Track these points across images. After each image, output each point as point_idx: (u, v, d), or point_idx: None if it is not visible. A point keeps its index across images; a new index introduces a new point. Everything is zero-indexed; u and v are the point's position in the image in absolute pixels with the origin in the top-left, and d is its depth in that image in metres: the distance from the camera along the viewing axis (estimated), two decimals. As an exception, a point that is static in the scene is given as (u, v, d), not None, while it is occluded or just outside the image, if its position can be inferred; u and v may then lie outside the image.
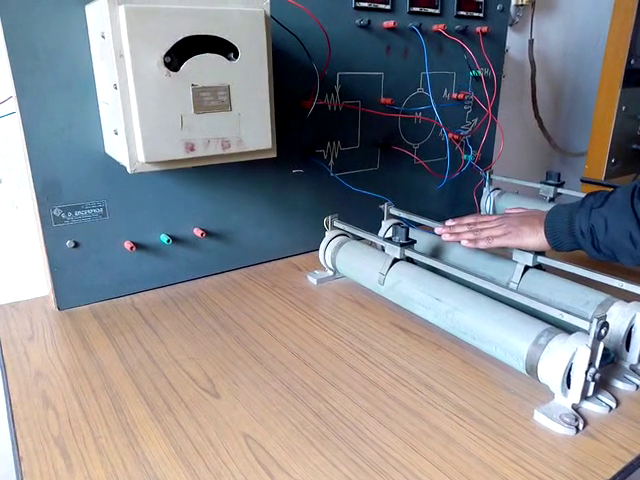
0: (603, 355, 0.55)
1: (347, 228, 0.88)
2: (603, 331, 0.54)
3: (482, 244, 0.75)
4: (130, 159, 0.66)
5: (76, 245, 0.79)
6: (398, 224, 0.81)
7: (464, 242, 0.76)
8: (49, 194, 0.75)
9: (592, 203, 0.68)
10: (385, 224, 0.94)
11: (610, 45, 1.40)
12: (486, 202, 1.17)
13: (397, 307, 0.79)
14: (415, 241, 0.79)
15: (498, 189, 1.18)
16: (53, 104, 0.72)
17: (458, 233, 0.77)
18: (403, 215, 0.93)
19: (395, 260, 0.78)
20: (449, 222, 0.81)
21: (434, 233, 0.85)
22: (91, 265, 0.81)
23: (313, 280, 0.90)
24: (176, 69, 0.64)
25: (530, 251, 0.75)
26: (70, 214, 0.77)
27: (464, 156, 1.20)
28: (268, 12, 0.70)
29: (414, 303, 0.74)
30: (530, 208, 0.82)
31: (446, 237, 0.78)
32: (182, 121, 0.66)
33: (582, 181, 1.43)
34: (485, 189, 1.18)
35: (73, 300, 0.81)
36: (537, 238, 0.72)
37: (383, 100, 1.04)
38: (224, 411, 0.57)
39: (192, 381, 0.63)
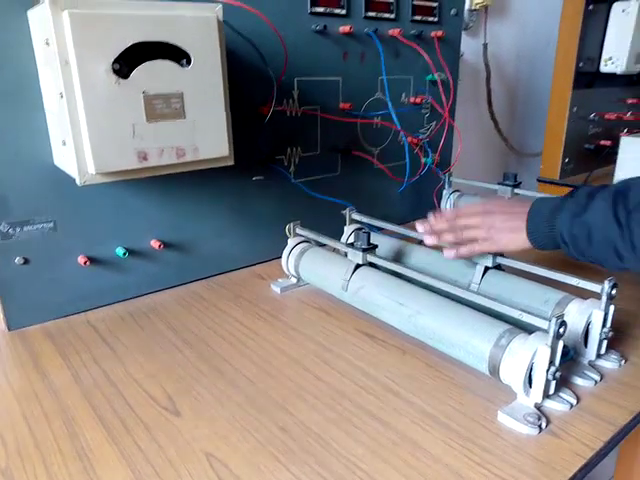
0: (563, 353, 0.56)
1: (309, 235, 0.87)
2: (562, 330, 0.54)
3: (464, 253, 0.74)
4: (79, 171, 0.63)
5: (26, 262, 0.75)
6: (360, 229, 0.80)
7: (446, 253, 0.74)
8: (-6, 209, 0.71)
9: (573, 209, 0.64)
10: (347, 229, 0.94)
11: (560, 49, 1.45)
12: (446, 204, 1.18)
13: (362, 313, 0.78)
14: (377, 246, 0.79)
15: (457, 191, 1.19)
16: (-4, 114, 0.69)
17: (439, 233, 0.75)
18: (365, 220, 0.93)
19: (358, 266, 0.78)
20: (429, 219, 0.77)
21: (396, 237, 0.85)
22: (43, 282, 0.77)
23: (277, 289, 0.89)
24: (126, 76, 0.62)
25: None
26: (18, 229, 0.74)
27: (423, 159, 1.21)
28: (221, 17, 0.69)
29: (378, 308, 0.74)
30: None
31: (428, 240, 0.75)
32: (134, 130, 0.64)
33: (538, 181, 1.46)
34: (445, 191, 1.19)
35: (24, 319, 0.77)
36: (520, 241, 0.70)
37: (342, 105, 1.04)
38: (185, 430, 0.55)
39: (152, 400, 0.60)
